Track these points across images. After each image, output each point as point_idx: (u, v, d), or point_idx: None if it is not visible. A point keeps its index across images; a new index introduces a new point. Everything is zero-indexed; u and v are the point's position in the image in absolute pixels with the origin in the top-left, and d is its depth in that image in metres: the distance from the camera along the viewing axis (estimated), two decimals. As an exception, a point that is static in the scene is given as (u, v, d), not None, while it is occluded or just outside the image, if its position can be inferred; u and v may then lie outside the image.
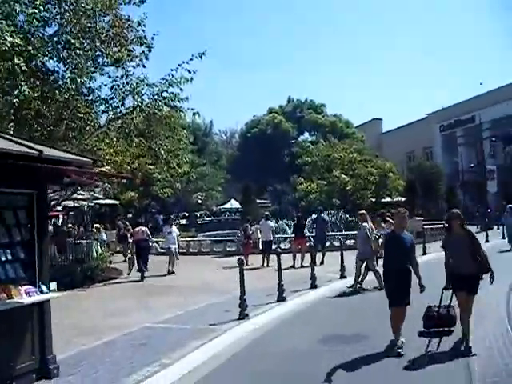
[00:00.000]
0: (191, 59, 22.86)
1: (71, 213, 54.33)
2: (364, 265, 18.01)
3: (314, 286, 17.78)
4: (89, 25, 21.74)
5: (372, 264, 17.81)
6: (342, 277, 20.11)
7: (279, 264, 16.07)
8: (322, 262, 24.83)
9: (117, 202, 45.78)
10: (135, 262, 24.59)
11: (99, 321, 13.88)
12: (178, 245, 27.26)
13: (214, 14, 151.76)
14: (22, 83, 19.34)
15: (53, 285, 9.40)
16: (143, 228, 25.57)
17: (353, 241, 32.22)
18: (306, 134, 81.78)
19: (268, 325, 12.89)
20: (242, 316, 13.12)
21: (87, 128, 23.38)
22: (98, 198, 28.63)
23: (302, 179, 52.47)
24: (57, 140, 22.95)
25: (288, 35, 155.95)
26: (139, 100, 22.50)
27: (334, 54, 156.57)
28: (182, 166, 50.04)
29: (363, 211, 20.60)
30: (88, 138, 23.81)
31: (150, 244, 26.61)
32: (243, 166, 72.67)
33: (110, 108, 23.38)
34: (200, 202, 62.53)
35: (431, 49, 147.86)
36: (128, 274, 24.46)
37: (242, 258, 14.47)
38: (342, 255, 20.92)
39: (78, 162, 9.22)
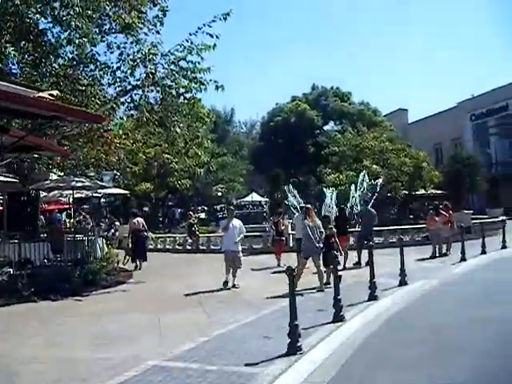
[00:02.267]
0: (213, 21, 19.35)
1: (85, 206, 51.78)
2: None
3: (373, 298, 13.81)
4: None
5: (318, 262, 16.89)
6: (402, 284, 16.07)
7: (336, 272, 12.19)
8: (368, 263, 20.94)
9: (126, 192, 41.92)
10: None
11: (84, 353, 9.80)
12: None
13: None
14: (7, 44, 15.99)
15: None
16: (139, 219, 25.42)
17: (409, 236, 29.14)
18: (332, 124, 77.74)
19: (334, 363, 8.81)
20: (293, 350, 8.96)
21: (89, 103, 19.81)
22: (104, 187, 24.64)
23: (330, 170, 48.65)
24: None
25: (311, 21, 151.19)
26: (151, 68, 18.84)
27: (359, 42, 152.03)
28: (202, 156, 47.16)
29: (308, 205, 19.24)
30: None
31: (146, 234, 26.19)
32: (265, 157, 68.87)
33: (118, 80, 19.81)
34: (220, 194, 58.85)
35: (458, 36, 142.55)
36: (123, 264, 23.73)
37: (293, 269, 9.95)
38: (401, 255, 16.37)
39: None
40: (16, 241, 18.22)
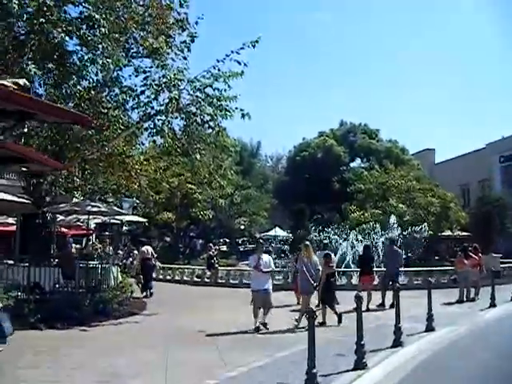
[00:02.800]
0: (242, 48, 18.77)
1: (106, 233, 51.35)
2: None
3: (398, 344, 12.84)
4: (120, 3, 17.98)
5: (307, 301, 16.77)
6: (429, 329, 15.10)
7: (359, 315, 11.09)
8: (392, 305, 19.94)
9: (144, 220, 41.24)
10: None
11: None
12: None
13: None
14: (29, 61, 15.54)
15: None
16: (148, 247, 25.99)
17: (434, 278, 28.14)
18: (359, 160, 76.75)
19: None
20: None
21: (110, 127, 19.29)
22: (121, 214, 23.84)
23: (355, 207, 47.78)
24: (73, 141, 19.07)
25: (339, 59, 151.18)
26: (176, 93, 18.24)
27: (386, 79, 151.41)
28: (226, 187, 46.62)
29: (307, 242, 19.03)
30: (111, 140, 19.70)
31: (154, 263, 26.67)
32: (290, 191, 67.90)
33: (141, 105, 19.24)
34: (243, 227, 58.02)
35: (486, 76, 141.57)
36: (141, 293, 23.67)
37: (314, 311, 9.12)
38: (429, 298, 15.30)
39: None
40: (27, 264, 17.56)
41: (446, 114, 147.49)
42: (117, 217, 25.84)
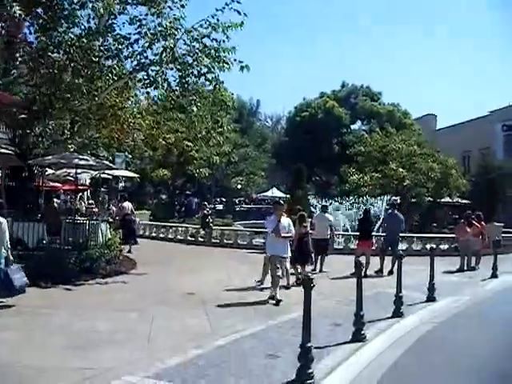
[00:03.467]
0: (243, -3, 17.70)
1: (103, 189, 50.57)
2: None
3: (398, 314, 12.12)
4: None
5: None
6: (431, 299, 14.40)
7: (359, 281, 10.20)
8: (391, 271, 19.27)
9: (136, 176, 40.19)
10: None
11: (53, 359, 8.31)
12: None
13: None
14: (14, 3, 14.56)
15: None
16: (127, 203, 25.91)
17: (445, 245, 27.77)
18: (360, 123, 75.74)
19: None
20: (304, 377, 7.31)
21: (102, 77, 18.36)
22: (111, 168, 22.54)
23: (354, 170, 46.92)
24: (63, 90, 18.11)
25: (345, 14, 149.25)
26: (171, 42, 17.23)
27: (390, 44, 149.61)
28: (223, 145, 45.70)
29: (281, 201, 17.51)
30: (103, 91, 18.77)
31: (134, 218, 26.39)
32: (289, 152, 66.65)
33: (135, 54, 18.23)
34: (240, 187, 57.20)
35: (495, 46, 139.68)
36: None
37: (311, 278, 8.16)
38: (432, 266, 14.64)
39: None
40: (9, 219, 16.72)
41: (450, 78, 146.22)
42: (108, 171, 24.72)
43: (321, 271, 19.95)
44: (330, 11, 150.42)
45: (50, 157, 18.45)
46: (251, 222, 40.98)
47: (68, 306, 12.48)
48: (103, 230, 19.93)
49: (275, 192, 60.08)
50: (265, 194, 65.44)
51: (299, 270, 17.38)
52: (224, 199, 59.84)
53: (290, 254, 14.95)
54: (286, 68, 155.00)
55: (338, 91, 77.32)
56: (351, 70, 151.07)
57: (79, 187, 39.22)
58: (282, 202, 15.27)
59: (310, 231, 19.53)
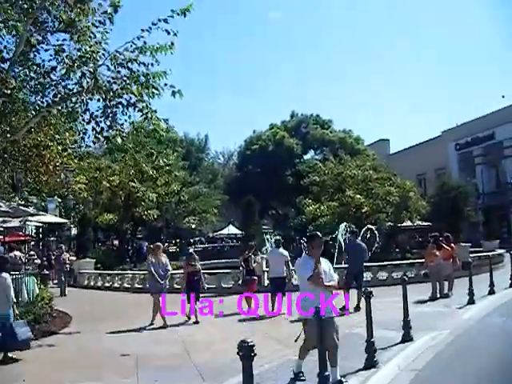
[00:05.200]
0: (171, 16, 15.68)
1: (52, 238, 48.10)
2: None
3: (371, 364, 9.99)
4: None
5: (158, 299, 16.98)
6: (407, 339, 12.35)
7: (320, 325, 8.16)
8: (357, 307, 17.28)
9: (65, 221, 37.65)
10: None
11: None
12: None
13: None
14: None
15: None
16: (16, 252, 25.32)
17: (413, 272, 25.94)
18: (312, 152, 75.13)
19: None
20: None
21: (19, 112, 16.27)
22: (30, 214, 19.69)
23: (310, 201, 45.42)
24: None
25: (289, 49, 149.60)
26: (91, 66, 15.18)
27: (338, 70, 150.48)
28: (172, 184, 43.70)
29: (158, 243, 18.91)
30: (20, 129, 16.60)
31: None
32: (242, 187, 64.72)
33: (52, 84, 16.11)
34: (193, 226, 54.95)
35: (444, 63, 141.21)
36: None
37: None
38: (405, 299, 12.88)
39: None
40: None
41: (398, 103, 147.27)
42: (31, 218, 21.98)
43: (280, 313, 17.81)
44: (269, 41, 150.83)
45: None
46: (207, 262, 39.01)
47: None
48: (31, 284, 17.59)
49: (232, 229, 58.36)
50: (221, 232, 63.69)
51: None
52: (178, 240, 57.53)
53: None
54: (234, 102, 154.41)
55: (288, 122, 76.98)
56: (299, 100, 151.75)
57: (21, 238, 36.88)
58: (319, 234, 9.93)
59: (265, 269, 18.06)
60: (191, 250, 19.56)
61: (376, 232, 35.43)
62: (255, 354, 5.91)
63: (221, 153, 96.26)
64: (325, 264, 9.58)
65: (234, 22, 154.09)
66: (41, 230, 40.51)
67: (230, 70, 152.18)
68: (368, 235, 34.45)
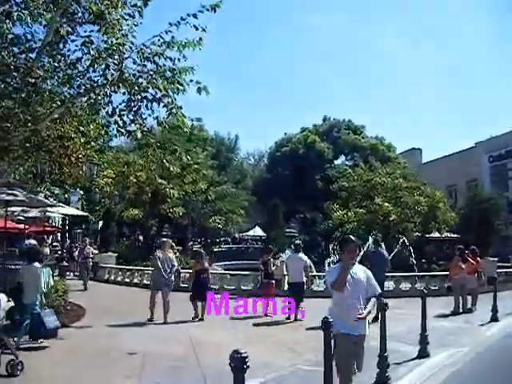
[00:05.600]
0: (200, 11, 15.39)
1: (78, 230, 48.28)
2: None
3: (383, 380, 9.46)
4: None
5: (166, 294, 17.59)
6: (423, 355, 11.86)
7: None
8: (376, 318, 16.68)
9: (85, 214, 37.40)
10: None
11: None
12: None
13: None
14: None
15: None
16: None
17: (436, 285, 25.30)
18: (343, 158, 74.64)
19: None
20: None
21: (44, 103, 16.10)
22: (46, 205, 19.22)
23: (338, 206, 44.97)
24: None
25: (327, 56, 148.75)
26: (116, 58, 14.96)
27: (374, 77, 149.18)
28: (199, 183, 43.51)
29: (164, 239, 21.04)
30: (44, 119, 16.43)
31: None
32: (270, 189, 64.57)
33: (77, 75, 15.90)
34: (220, 226, 54.62)
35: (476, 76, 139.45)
36: None
37: None
38: (424, 314, 12.26)
39: None
40: None
41: (434, 113, 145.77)
42: (50, 209, 21.66)
43: (296, 319, 17.46)
44: (308, 43, 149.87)
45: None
46: (230, 263, 38.87)
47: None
48: (45, 275, 17.36)
49: (257, 231, 57.93)
50: (247, 233, 63.44)
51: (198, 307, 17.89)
52: (203, 240, 57.35)
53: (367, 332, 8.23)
54: (266, 104, 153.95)
55: (320, 126, 76.34)
56: (332, 105, 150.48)
57: (46, 229, 36.90)
58: (352, 238, 8.42)
59: (285, 273, 17.80)
60: (198, 250, 21.12)
61: (409, 246, 34.89)
62: (248, 367, 5.43)
63: (251, 154, 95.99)
64: (361, 273, 8.06)
65: (267, 23, 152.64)
66: (67, 222, 40.65)
67: (263, 71, 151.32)
68: (400, 247, 34.05)
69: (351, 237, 8.44)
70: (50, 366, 10.95)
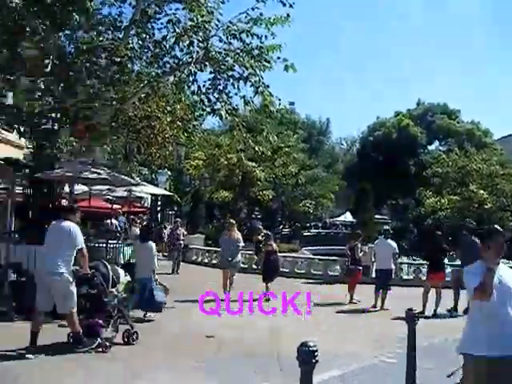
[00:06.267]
0: (288, -13, 14.94)
1: (171, 211, 48.85)
2: None
3: None
4: None
5: (232, 272, 18.30)
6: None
7: (411, 337, 7.10)
8: (465, 310, 15.69)
9: (170, 194, 36.90)
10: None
11: None
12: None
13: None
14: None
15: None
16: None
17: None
18: (437, 143, 72.99)
19: None
20: None
21: (130, 82, 16.13)
22: (131, 184, 19.11)
23: (430, 193, 43.95)
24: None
25: (422, 32, 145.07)
26: (200, 35, 14.74)
27: (471, 62, 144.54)
28: (290, 166, 43.29)
29: (231, 220, 21.40)
30: (130, 98, 16.45)
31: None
32: (361, 174, 62.65)
33: (162, 53, 15.80)
34: (310, 211, 54.17)
35: None
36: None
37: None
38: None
39: None
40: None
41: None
42: (134, 188, 21.51)
43: (382, 308, 16.88)
44: (406, 25, 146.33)
45: (58, 170, 15.87)
46: (321, 247, 38.39)
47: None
48: (127, 254, 17.40)
49: (348, 217, 57.10)
50: (338, 218, 62.90)
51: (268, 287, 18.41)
52: (293, 223, 57.06)
53: None
54: (360, 87, 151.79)
55: (414, 110, 74.84)
56: (427, 88, 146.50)
57: (135, 209, 37.00)
58: (499, 229, 6.21)
59: (374, 259, 18.17)
60: (267, 232, 22.28)
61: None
62: (317, 361, 4.94)
63: (344, 139, 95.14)
64: (508, 274, 5.77)
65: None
66: (159, 203, 41.10)
67: (355, 54, 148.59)
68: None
69: (498, 227, 6.25)
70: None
